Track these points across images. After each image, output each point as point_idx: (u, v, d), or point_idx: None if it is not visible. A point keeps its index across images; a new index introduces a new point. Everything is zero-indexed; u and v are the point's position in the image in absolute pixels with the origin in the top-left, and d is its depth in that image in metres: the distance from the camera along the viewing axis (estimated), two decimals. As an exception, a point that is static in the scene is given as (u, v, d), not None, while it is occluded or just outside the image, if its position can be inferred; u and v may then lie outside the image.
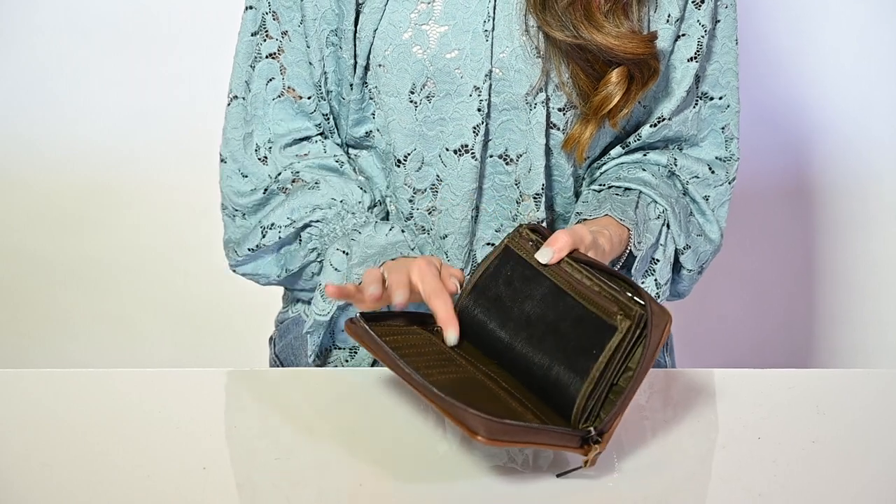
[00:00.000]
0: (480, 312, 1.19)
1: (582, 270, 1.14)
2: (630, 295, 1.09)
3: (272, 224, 1.35)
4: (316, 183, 1.35)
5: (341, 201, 1.34)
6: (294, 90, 1.37)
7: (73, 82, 2.18)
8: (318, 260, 1.36)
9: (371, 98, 1.36)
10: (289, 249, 1.37)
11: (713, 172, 1.41)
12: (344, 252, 1.31)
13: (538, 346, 1.13)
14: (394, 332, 1.17)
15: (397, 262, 1.23)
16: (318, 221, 1.34)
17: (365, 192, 1.37)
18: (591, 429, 1.06)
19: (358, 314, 1.15)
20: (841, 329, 2.33)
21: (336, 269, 1.31)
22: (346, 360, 1.40)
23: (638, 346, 1.07)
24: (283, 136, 1.38)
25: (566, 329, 1.11)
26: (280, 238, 1.35)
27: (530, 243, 1.18)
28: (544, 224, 1.37)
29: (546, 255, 1.15)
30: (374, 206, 1.37)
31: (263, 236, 1.36)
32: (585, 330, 1.10)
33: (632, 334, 1.07)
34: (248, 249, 1.37)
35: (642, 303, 1.08)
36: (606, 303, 1.09)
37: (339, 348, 1.41)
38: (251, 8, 1.37)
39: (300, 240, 1.35)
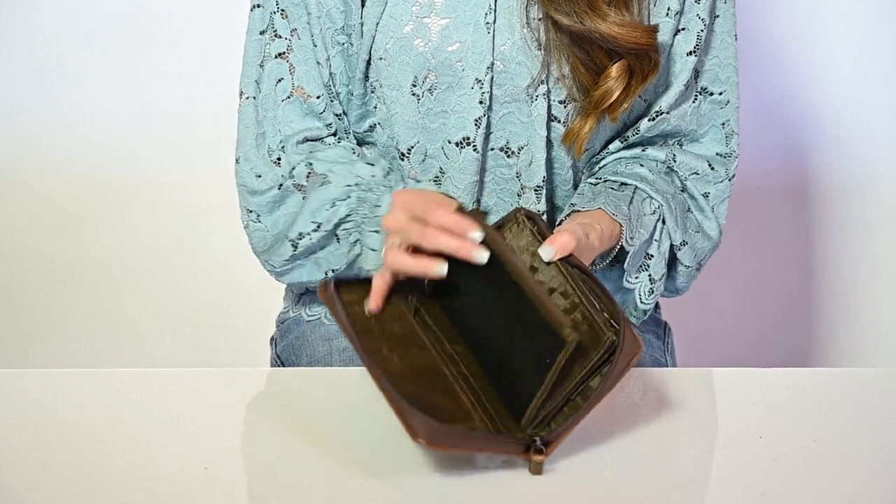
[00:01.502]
0: (466, 281, 1.18)
1: (568, 278, 1.13)
2: (606, 317, 1.09)
3: (300, 234, 1.33)
4: (325, 177, 1.34)
5: (356, 184, 1.32)
6: (303, 89, 1.36)
7: (73, 82, 2.18)
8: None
9: (373, 92, 1.35)
10: (329, 251, 1.35)
11: (713, 169, 1.41)
12: (376, 231, 1.30)
13: (507, 339, 1.13)
14: (364, 301, 1.17)
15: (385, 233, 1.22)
16: (347, 218, 1.32)
17: (373, 164, 1.34)
18: (537, 438, 1.06)
19: (333, 280, 1.16)
20: (839, 328, 2.32)
21: (375, 251, 1.30)
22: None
23: (602, 370, 1.07)
24: (293, 136, 1.37)
25: (533, 330, 1.11)
26: (312, 243, 1.34)
27: (527, 231, 1.18)
28: (544, 217, 1.37)
29: (549, 253, 1.15)
30: (389, 173, 1.35)
31: (295, 248, 1.34)
32: (546, 337, 1.10)
33: (599, 358, 1.07)
34: (284, 261, 1.36)
35: (617, 328, 1.07)
36: (562, 317, 1.08)
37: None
38: (258, 6, 1.37)
39: (338, 238, 1.34)
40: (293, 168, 1.34)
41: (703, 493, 1.08)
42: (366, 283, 1.20)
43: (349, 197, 1.32)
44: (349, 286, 1.18)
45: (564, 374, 1.07)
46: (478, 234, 1.14)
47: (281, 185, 1.35)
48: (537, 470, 1.06)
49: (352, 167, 1.34)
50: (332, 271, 1.35)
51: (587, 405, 1.06)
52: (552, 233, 1.18)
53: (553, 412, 1.07)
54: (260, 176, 1.36)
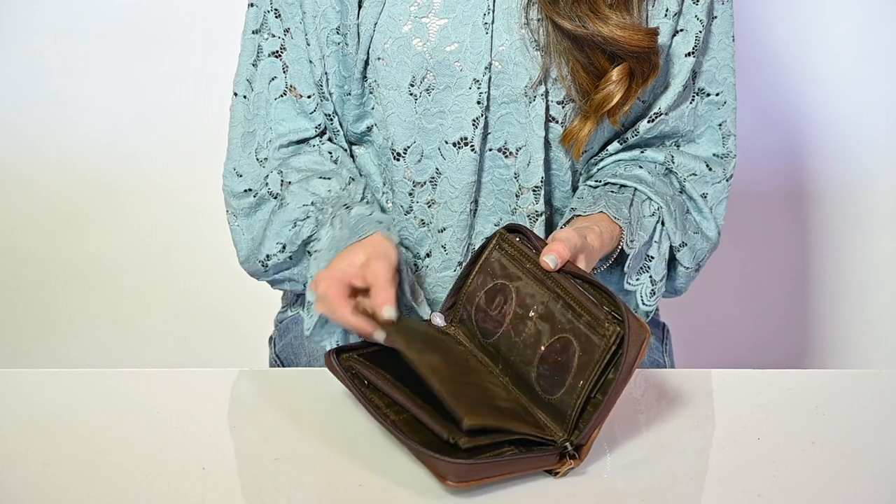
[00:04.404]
0: (481, 301, 1.19)
1: (561, 279, 1.14)
2: (607, 310, 1.09)
3: (267, 255, 1.36)
4: (283, 199, 1.35)
5: (312, 203, 1.34)
6: (295, 88, 1.37)
7: (73, 82, 2.18)
8: None
9: (370, 92, 1.36)
10: (304, 266, 1.37)
11: (710, 170, 1.41)
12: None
13: (523, 353, 1.13)
14: (367, 357, 1.18)
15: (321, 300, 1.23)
16: (311, 237, 1.34)
17: (330, 178, 1.35)
18: (568, 444, 1.06)
19: (331, 351, 1.17)
20: (836, 330, 2.33)
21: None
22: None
23: (615, 362, 1.07)
24: (283, 136, 1.37)
25: (550, 341, 1.12)
26: (280, 262, 1.36)
27: (518, 240, 1.19)
28: (542, 217, 1.37)
29: (552, 261, 1.15)
30: (349, 183, 1.36)
31: (265, 268, 1.37)
32: (566, 347, 1.10)
33: (607, 350, 1.07)
34: (262, 275, 1.39)
35: (620, 318, 1.08)
36: (589, 320, 1.10)
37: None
38: (253, 5, 1.37)
39: (310, 254, 1.35)
40: (267, 175, 1.36)
41: (701, 494, 1.08)
42: (365, 345, 1.21)
43: (308, 217, 1.34)
44: (349, 351, 1.19)
45: (579, 375, 1.08)
46: (380, 336, 1.16)
47: (257, 192, 1.36)
48: (563, 475, 1.06)
49: (307, 184, 1.35)
50: (311, 276, 1.36)
51: (608, 399, 1.06)
52: (542, 240, 1.19)
53: (577, 414, 1.08)
54: (241, 175, 1.37)
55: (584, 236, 1.22)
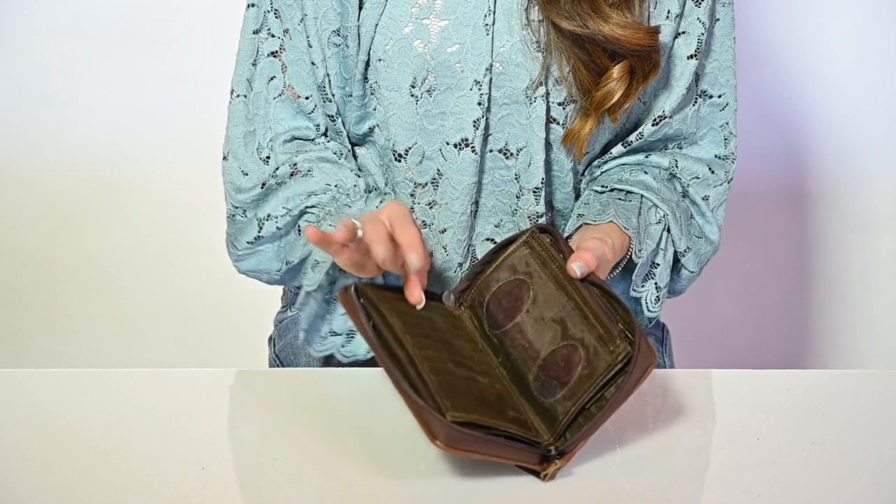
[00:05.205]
0: (497, 288, 1.19)
1: (582, 288, 1.14)
2: (622, 327, 1.09)
3: (268, 215, 1.34)
4: (309, 171, 1.34)
5: (336, 186, 1.33)
6: (293, 89, 1.37)
7: (73, 82, 2.18)
8: None
9: (372, 94, 1.36)
10: (287, 241, 1.36)
11: (713, 172, 1.41)
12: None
13: (527, 351, 1.13)
14: (386, 301, 1.17)
15: (371, 213, 1.20)
16: (313, 207, 1.33)
17: (359, 177, 1.36)
18: (553, 448, 1.06)
19: (353, 285, 1.15)
20: (837, 330, 2.33)
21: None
22: (343, 346, 1.37)
23: (617, 380, 1.07)
24: (283, 134, 1.37)
25: (557, 346, 1.12)
26: (277, 228, 1.34)
27: (548, 241, 1.19)
28: (544, 219, 1.38)
29: (579, 268, 1.15)
30: (370, 191, 1.36)
31: (260, 228, 1.35)
32: (571, 355, 1.10)
33: (613, 367, 1.07)
34: (247, 243, 1.36)
35: (631, 338, 1.08)
36: (602, 333, 1.10)
37: (335, 334, 1.38)
38: (253, 5, 1.37)
39: (298, 229, 1.35)
40: (277, 168, 1.35)
41: (701, 494, 1.09)
42: (386, 287, 1.20)
43: (325, 193, 1.32)
44: (369, 289, 1.18)
45: (579, 385, 1.08)
46: (416, 262, 1.15)
47: (265, 183, 1.35)
48: (551, 477, 1.06)
49: (339, 170, 1.35)
50: (287, 263, 1.35)
51: (601, 415, 1.06)
52: (569, 246, 1.18)
53: (568, 422, 1.08)
54: (247, 174, 1.37)
55: (603, 248, 1.22)
